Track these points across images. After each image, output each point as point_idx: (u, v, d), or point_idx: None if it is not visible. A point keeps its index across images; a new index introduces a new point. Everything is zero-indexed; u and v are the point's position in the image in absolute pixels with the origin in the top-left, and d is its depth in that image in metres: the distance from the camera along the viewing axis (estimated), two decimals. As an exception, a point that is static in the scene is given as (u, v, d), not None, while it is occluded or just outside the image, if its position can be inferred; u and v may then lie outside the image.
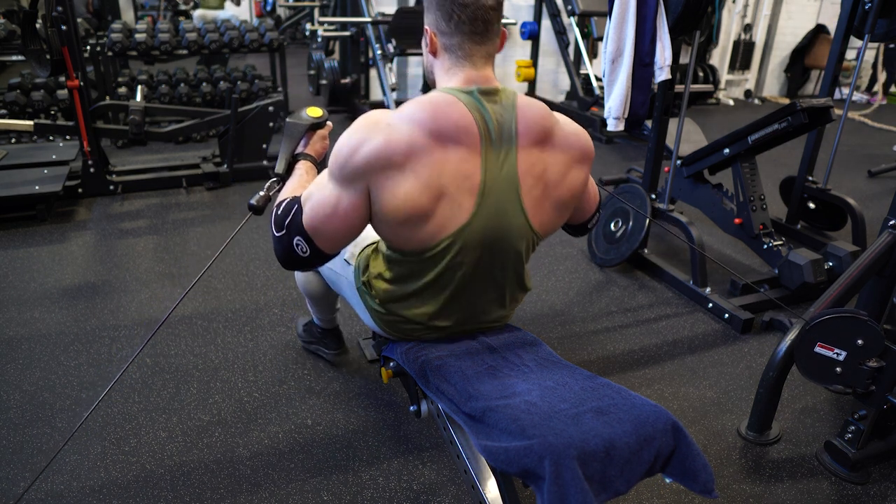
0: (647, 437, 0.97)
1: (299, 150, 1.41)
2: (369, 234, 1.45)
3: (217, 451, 1.64)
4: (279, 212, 1.18)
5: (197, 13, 6.08)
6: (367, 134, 1.06)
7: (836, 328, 1.51)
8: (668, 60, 2.34)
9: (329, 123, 1.44)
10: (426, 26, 1.15)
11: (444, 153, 1.07)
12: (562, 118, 1.21)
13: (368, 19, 4.69)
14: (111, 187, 3.40)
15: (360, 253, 1.42)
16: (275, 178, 1.34)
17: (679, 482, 0.99)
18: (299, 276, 1.80)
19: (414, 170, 1.05)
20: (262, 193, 1.29)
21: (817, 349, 1.53)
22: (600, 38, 5.10)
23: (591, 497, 0.89)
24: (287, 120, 1.40)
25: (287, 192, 1.27)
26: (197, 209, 3.30)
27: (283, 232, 1.15)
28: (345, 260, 1.47)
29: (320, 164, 1.39)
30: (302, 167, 1.36)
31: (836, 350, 1.52)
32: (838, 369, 1.54)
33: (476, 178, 1.09)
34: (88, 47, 4.25)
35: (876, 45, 6.55)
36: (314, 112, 1.40)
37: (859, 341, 1.51)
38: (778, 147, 2.54)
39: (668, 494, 1.53)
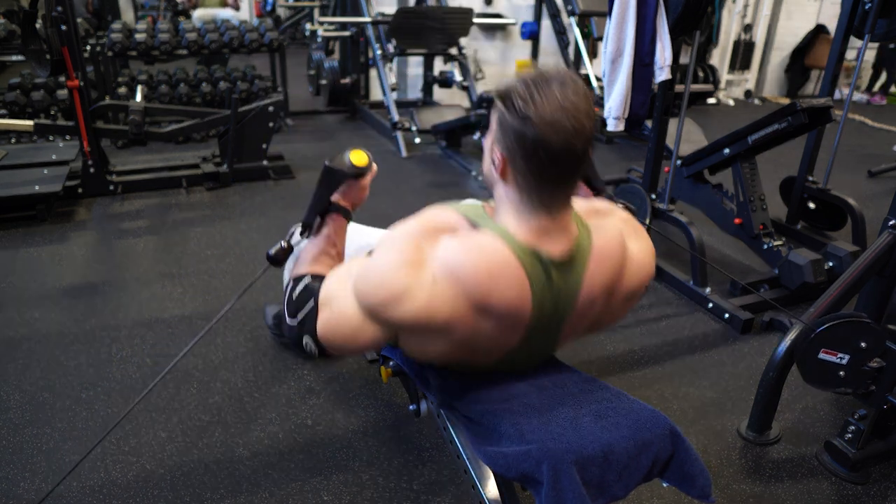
0: (646, 443, 0.97)
1: (334, 198, 1.19)
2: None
3: (217, 451, 1.64)
4: (294, 295, 1.06)
5: (196, 13, 6.07)
6: (409, 281, 0.91)
7: (839, 333, 1.51)
8: (668, 60, 2.34)
9: (374, 168, 1.20)
10: (495, 141, 0.95)
11: (486, 322, 0.95)
12: (635, 257, 1.06)
13: (368, 19, 4.70)
14: (111, 187, 3.40)
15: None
16: (299, 229, 1.19)
17: (677, 487, 1.00)
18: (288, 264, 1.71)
19: (448, 333, 0.96)
20: (282, 244, 1.16)
21: (821, 355, 1.53)
22: (600, 38, 5.10)
23: (589, 502, 0.90)
24: (325, 164, 1.16)
25: (307, 262, 1.13)
26: (197, 209, 3.30)
27: (296, 324, 1.05)
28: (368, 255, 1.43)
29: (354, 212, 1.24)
30: (331, 226, 1.17)
31: (840, 354, 1.52)
32: (842, 373, 1.54)
33: (516, 337, 1.01)
34: (88, 47, 4.26)
35: (876, 45, 6.56)
36: (359, 159, 1.16)
37: (862, 344, 1.51)
38: (778, 147, 2.54)
39: (667, 494, 1.53)
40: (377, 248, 0.99)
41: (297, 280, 1.08)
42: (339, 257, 1.17)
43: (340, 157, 1.17)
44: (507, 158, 0.93)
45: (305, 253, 1.15)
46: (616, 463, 0.94)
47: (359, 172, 1.17)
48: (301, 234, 1.19)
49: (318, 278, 1.06)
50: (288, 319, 1.06)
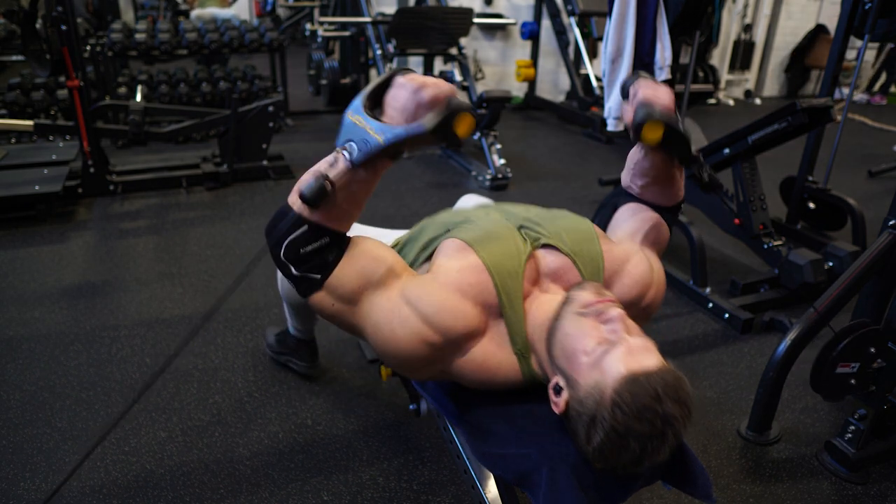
0: None
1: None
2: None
3: (217, 451, 1.64)
4: (297, 237, 0.94)
5: (194, 13, 6.06)
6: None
7: (853, 345, 1.52)
8: (668, 60, 2.34)
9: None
10: (573, 397, 0.91)
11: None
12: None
13: (368, 19, 4.69)
14: (111, 187, 3.40)
15: None
16: (349, 154, 0.90)
17: (679, 489, 0.99)
18: (282, 281, 1.65)
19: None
20: (326, 180, 0.90)
21: (838, 370, 1.53)
22: (600, 38, 5.10)
23: None
24: (455, 105, 0.87)
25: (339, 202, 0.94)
26: (197, 209, 3.30)
27: (288, 272, 0.96)
28: None
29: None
30: (377, 172, 0.96)
31: (853, 364, 1.53)
32: (853, 381, 1.55)
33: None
34: (88, 47, 4.25)
35: (876, 45, 6.56)
36: (466, 127, 0.89)
37: (871, 349, 1.51)
38: (778, 147, 2.54)
39: (667, 495, 1.53)
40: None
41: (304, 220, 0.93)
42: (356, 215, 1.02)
43: (461, 118, 0.87)
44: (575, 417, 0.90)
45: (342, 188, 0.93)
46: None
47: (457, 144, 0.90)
48: (359, 163, 0.89)
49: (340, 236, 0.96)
50: (294, 269, 0.95)
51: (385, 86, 0.92)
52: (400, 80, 0.90)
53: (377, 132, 0.87)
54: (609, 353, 0.88)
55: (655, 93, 1.07)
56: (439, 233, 1.14)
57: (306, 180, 0.89)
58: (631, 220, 1.24)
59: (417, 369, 1.01)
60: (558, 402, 0.92)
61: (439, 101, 0.85)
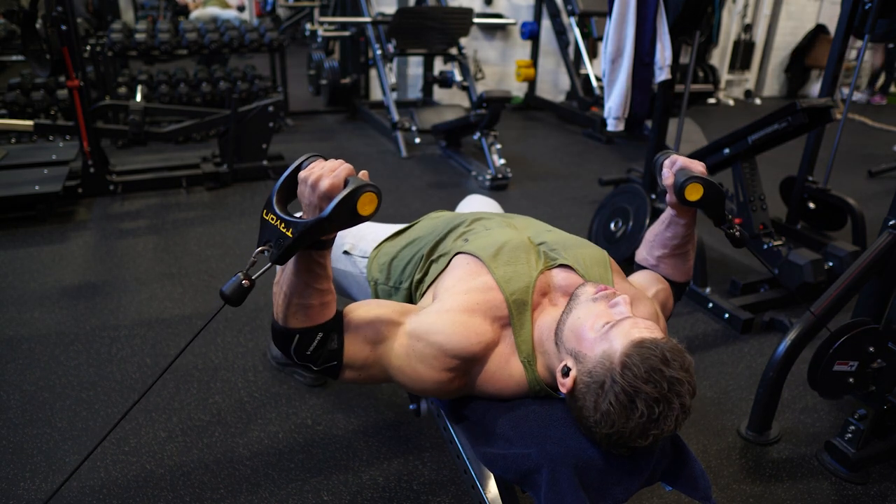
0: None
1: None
2: (366, 232, 1.43)
3: (217, 451, 1.64)
4: (298, 346, 0.98)
5: (195, 13, 6.06)
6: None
7: (851, 342, 1.52)
8: (668, 60, 2.34)
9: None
10: (580, 371, 0.93)
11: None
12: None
13: (368, 19, 4.70)
14: (111, 187, 3.40)
15: (374, 256, 1.37)
16: (268, 254, 0.92)
17: (679, 490, 1.00)
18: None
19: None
20: (242, 281, 0.89)
21: (836, 367, 1.54)
22: (600, 38, 5.10)
23: None
24: (354, 190, 0.87)
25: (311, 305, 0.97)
26: (197, 209, 3.30)
27: (310, 370, 1.02)
28: (344, 252, 1.43)
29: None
30: (326, 256, 0.97)
31: (851, 363, 1.53)
32: (851, 380, 1.55)
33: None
34: (88, 47, 4.26)
35: (877, 45, 6.55)
36: (368, 207, 0.90)
37: (870, 349, 1.51)
38: (778, 147, 2.54)
39: (667, 495, 1.53)
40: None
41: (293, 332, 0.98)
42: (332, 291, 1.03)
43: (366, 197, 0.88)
44: (580, 391, 0.93)
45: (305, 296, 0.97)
46: (616, 467, 0.93)
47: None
48: (276, 261, 0.91)
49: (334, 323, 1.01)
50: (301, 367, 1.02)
51: (293, 178, 0.94)
52: (301, 175, 0.91)
53: (287, 229, 0.89)
54: (616, 326, 0.92)
55: (691, 161, 1.19)
56: (457, 241, 1.20)
57: (228, 281, 0.91)
58: (644, 279, 1.30)
59: (450, 392, 1.06)
60: (566, 382, 0.95)
61: (337, 190, 0.87)
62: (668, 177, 1.18)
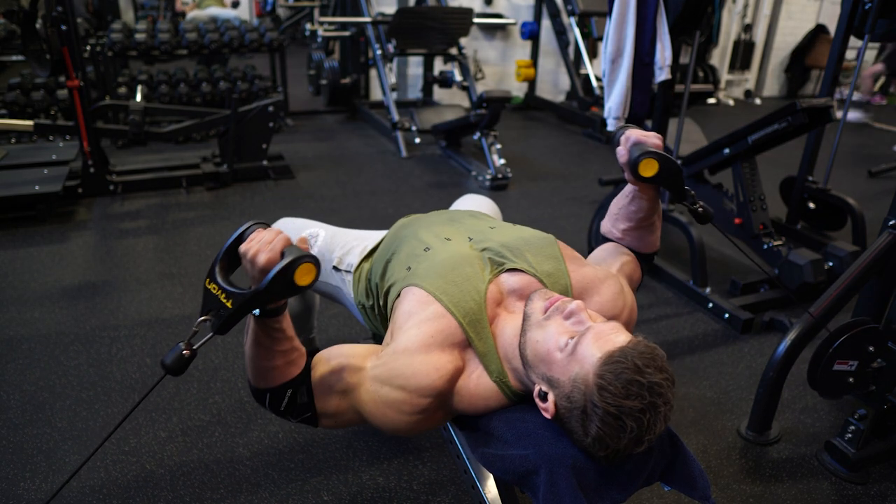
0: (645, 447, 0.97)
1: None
2: (354, 245, 1.41)
3: (217, 451, 1.64)
4: (276, 402, 1.01)
5: (191, 14, 6.05)
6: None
7: (851, 342, 1.52)
8: (668, 60, 2.34)
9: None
10: (559, 395, 0.91)
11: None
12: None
13: (368, 19, 4.70)
14: (111, 187, 3.40)
15: (356, 270, 1.36)
16: (209, 323, 0.92)
17: (678, 490, 1.00)
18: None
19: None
20: (183, 351, 0.89)
21: (836, 367, 1.53)
22: (600, 38, 5.10)
23: None
24: (288, 265, 0.87)
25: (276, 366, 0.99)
26: (197, 209, 3.30)
27: (291, 421, 1.04)
28: (334, 268, 1.41)
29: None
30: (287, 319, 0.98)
31: (851, 362, 1.53)
32: (851, 379, 1.55)
33: None
34: (88, 47, 4.26)
35: (877, 45, 6.55)
36: (306, 277, 0.89)
37: (870, 348, 1.51)
38: (778, 147, 2.54)
39: (667, 495, 1.53)
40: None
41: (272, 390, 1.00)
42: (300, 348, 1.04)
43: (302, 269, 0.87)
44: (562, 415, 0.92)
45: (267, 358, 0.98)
46: (615, 468, 0.94)
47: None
48: (217, 331, 0.91)
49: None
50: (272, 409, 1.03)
51: (234, 248, 0.94)
52: (241, 248, 0.92)
53: (228, 300, 0.90)
54: (580, 343, 0.90)
55: (645, 135, 1.14)
56: (401, 270, 1.16)
57: (170, 351, 0.90)
58: (607, 254, 1.26)
59: (430, 426, 1.05)
60: (547, 407, 0.93)
61: (273, 263, 0.88)
62: (622, 154, 1.14)
